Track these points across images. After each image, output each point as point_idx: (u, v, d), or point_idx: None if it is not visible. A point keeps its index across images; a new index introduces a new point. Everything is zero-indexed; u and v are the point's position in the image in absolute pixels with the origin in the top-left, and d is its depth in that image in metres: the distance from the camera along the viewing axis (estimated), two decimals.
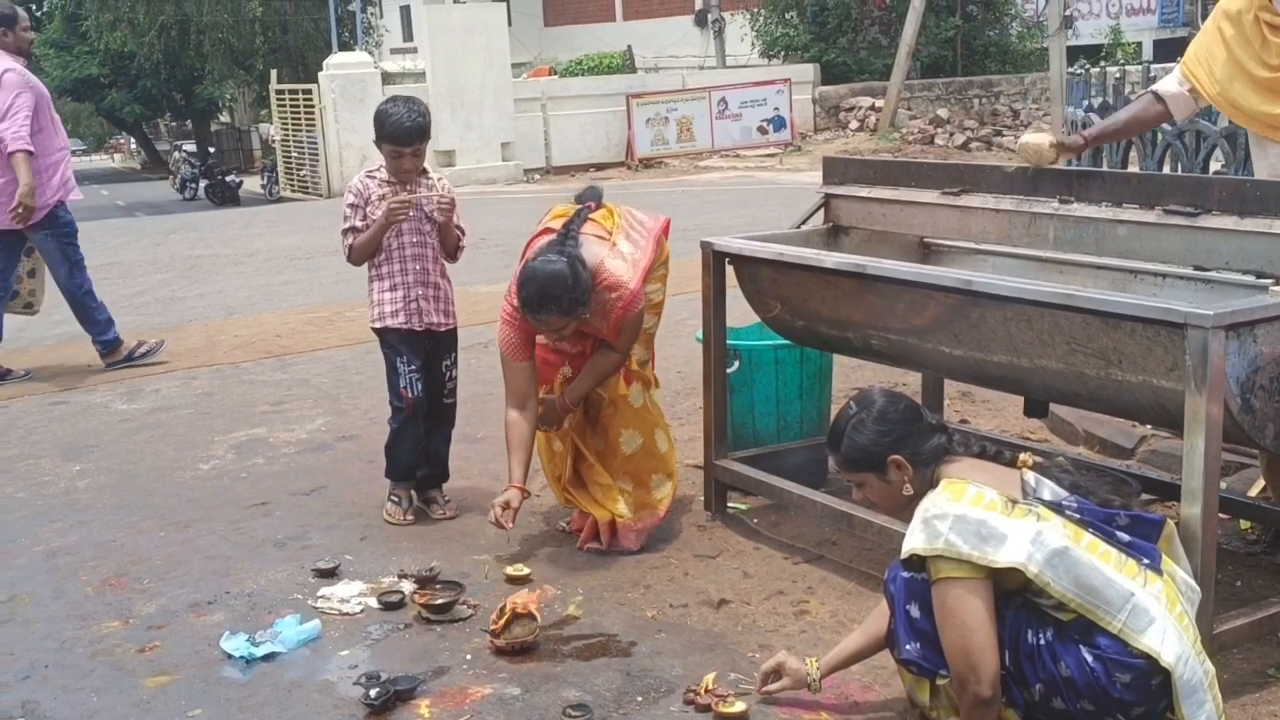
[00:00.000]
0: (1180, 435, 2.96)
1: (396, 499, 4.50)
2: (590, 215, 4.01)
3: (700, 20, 28.31)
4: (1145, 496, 4.14)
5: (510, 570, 3.87)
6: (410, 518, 4.46)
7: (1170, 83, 3.86)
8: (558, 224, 3.98)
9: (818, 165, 18.91)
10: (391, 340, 4.43)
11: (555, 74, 24.47)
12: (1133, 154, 5.18)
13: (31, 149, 6.23)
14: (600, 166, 20.10)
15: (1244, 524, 3.96)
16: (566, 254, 3.77)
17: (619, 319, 3.86)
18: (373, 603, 3.77)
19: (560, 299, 3.71)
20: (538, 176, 19.91)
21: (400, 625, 3.63)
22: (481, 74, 19.22)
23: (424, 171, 4.41)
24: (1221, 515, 3.62)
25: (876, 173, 4.25)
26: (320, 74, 19.75)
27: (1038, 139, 3.75)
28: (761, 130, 20.84)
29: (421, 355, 4.44)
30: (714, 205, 13.66)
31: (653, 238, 3.98)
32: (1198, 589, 2.77)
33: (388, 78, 20.04)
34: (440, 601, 3.66)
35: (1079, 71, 5.82)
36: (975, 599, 2.59)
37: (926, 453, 2.83)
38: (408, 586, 3.84)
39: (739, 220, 11.56)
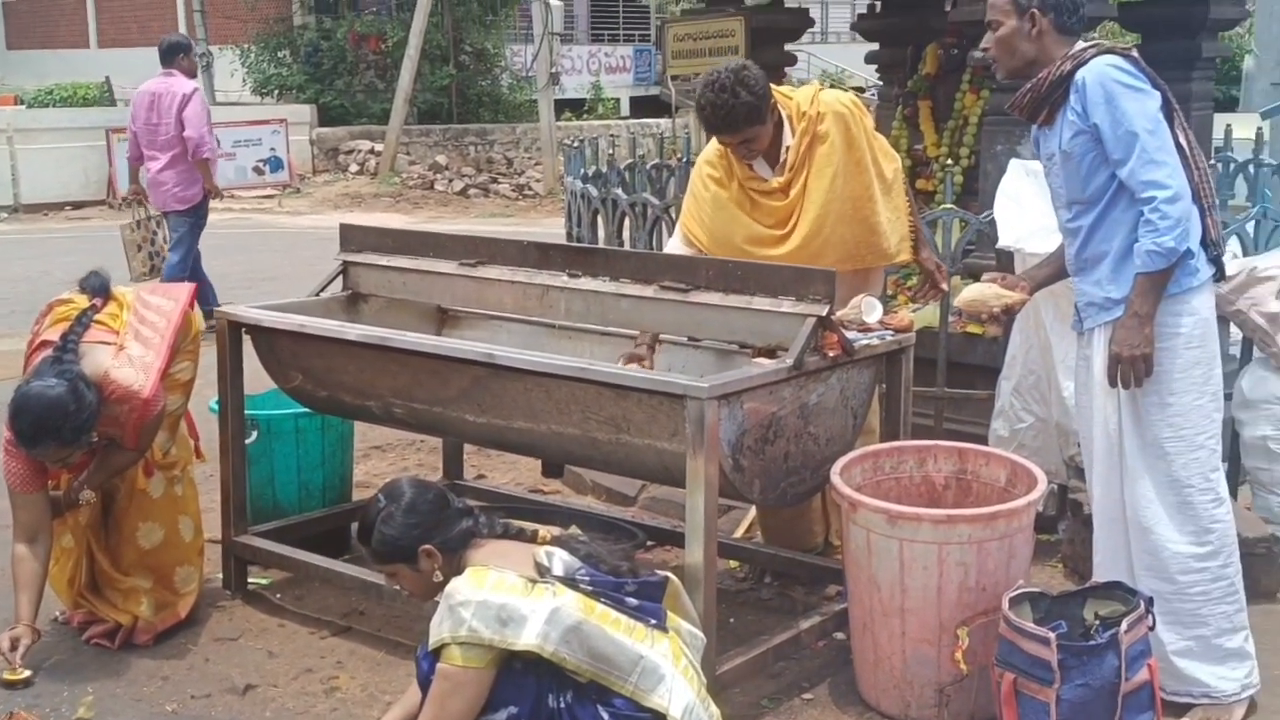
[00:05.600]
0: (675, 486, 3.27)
1: None
2: (95, 317, 3.69)
3: None
4: (650, 542, 4.51)
5: (8, 675, 3.52)
6: None
7: None
8: (57, 333, 3.62)
9: (318, 208, 18.66)
10: None
11: (22, 104, 22.36)
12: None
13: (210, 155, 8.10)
14: (78, 205, 18.57)
15: (732, 563, 4.39)
16: (66, 374, 3.44)
17: (135, 427, 3.62)
18: None
19: (59, 430, 3.40)
20: (5, 216, 18.10)
21: None
22: None
23: None
24: None
25: (395, 242, 4.31)
26: None
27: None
28: (258, 170, 20.19)
29: None
30: (211, 250, 12.93)
31: (171, 327, 3.73)
32: (702, 637, 3.06)
33: None
34: None
35: (576, 145, 6.21)
36: (469, 690, 2.74)
37: (455, 539, 2.94)
38: None
39: (238, 267, 11.13)
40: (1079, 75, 3.18)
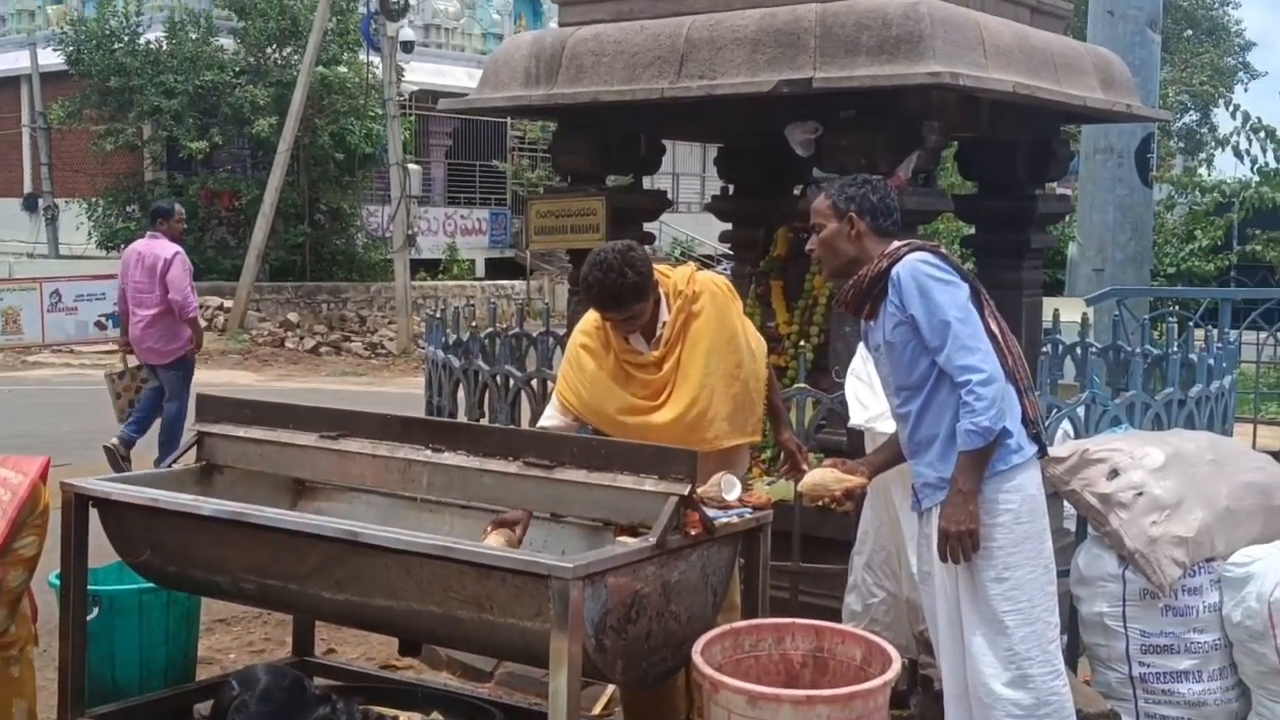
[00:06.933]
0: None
1: None
2: None
3: (29, 204, 26.31)
4: None
5: None
6: None
7: None
8: None
9: None
10: None
11: None
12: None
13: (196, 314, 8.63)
14: None
15: None
16: None
17: None
18: None
19: None
20: None
21: None
22: None
23: None
24: None
25: (253, 413, 4.25)
26: None
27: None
28: (100, 325, 19.66)
29: None
30: (49, 407, 12.63)
31: (15, 501, 3.60)
32: None
33: None
34: None
35: (438, 315, 6.28)
36: None
37: None
38: None
39: (80, 425, 10.72)
40: (894, 271, 3.45)
